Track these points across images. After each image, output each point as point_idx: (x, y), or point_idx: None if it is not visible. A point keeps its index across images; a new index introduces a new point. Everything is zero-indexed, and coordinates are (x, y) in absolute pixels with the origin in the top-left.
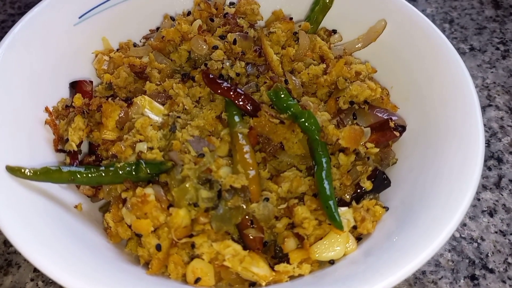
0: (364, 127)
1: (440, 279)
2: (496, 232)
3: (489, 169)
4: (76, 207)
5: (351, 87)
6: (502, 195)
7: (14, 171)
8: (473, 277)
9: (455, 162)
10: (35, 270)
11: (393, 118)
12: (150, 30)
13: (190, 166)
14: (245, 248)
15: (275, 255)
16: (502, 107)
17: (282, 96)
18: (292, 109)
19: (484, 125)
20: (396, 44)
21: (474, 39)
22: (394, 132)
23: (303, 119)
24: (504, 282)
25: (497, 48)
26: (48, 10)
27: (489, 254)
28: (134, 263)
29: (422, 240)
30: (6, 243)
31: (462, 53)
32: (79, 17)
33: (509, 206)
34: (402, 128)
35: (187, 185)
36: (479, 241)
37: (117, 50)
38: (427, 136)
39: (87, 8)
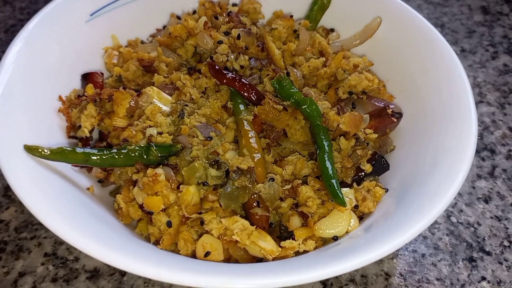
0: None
1: (439, 261)
2: (491, 218)
3: (483, 159)
4: (88, 189)
5: (350, 78)
6: (496, 183)
7: (32, 150)
8: (471, 259)
9: (449, 145)
10: (45, 254)
11: (390, 106)
12: (156, 29)
13: (199, 148)
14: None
15: (280, 235)
16: (493, 103)
17: (285, 84)
18: (294, 97)
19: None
20: (391, 40)
21: (464, 42)
22: (392, 118)
23: (305, 106)
24: (501, 263)
25: (487, 50)
26: (61, 7)
27: (485, 238)
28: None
29: (416, 215)
30: (17, 229)
31: None
32: (91, 15)
33: (503, 194)
34: (399, 115)
35: (196, 164)
36: (475, 225)
37: (126, 47)
38: (423, 124)
39: (98, 7)
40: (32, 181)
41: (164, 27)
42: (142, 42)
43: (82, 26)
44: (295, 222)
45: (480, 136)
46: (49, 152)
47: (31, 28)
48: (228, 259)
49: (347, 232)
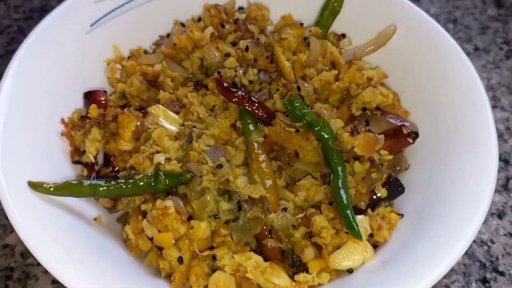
0: (378, 134)
1: (452, 282)
2: (505, 235)
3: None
4: (95, 219)
5: (364, 94)
6: (510, 197)
7: (36, 186)
8: (484, 280)
9: (468, 167)
10: (53, 281)
11: (406, 124)
12: (160, 36)
13: (209, 178)
14: (263, 257)
15: (293, 264)
16: (508, 108)
17: (297, 104)
18: (307, 118)
19: None
20: (406, 49)
21: (478, 39)
22: (408, 139)
23: (318, 128)
24: None
25: (501, 48)
26: (60, 19)
27: (499, 257)
28: (154, 275)
29: (441, 250)
30: (23, 255)
31: (467, 53)
32: (91, 25)
33: None
34: (415, 135)
35: (207, 198)
36: (489, 243)
37: (128, 57)
38: (438, 141)
39: (98, 16)
40: (35, 221)
41: (168, 35)
42: (145, 52)
43: (82, 39)
44: (309, 253)
45: None
46: (53, 188)
47: (28, 46)
48: None
49: (362, 263)
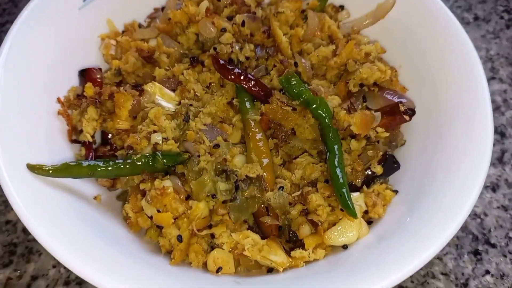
0: (374, 111)
1: (445, 254)
2: (498, 207)
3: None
4: (95, 198)
5: (361, 70)
6: (505, 170)
7: (35, 169)
8: (476, 252)
9: (464, 144)
10: None
11: (403, 101)
12: (154, 9)
13: (207, 158)
14: (260, 233)
15: (289, 239)
16: (506, 80)
17: (294, 82)
18: (304, 96)
19: None
20: (405, 23)
21: (478, 8)
22: (404, 117)
23: (315, 106)
24: (505, 256)
25: (501, 17)
26: None
27: (491, 229)
28: (154, 252)
29: (435, 227)
30: (25, 230)
31: (466, 23)
32: (84, 0)
33: (511, 181)
34: (412, 112)
35: (205, 178)
36: (482, 216)
37: (123, 32)
38: (435, 117)
39: None
40: (34, 203)
41: (163, 8)
42: (140, 26)
43: (75, 15)
44: (305, 230)
45: None
46: (52, 170)
47: (20, 25)
48: (238, 266)
49: (357, 239)
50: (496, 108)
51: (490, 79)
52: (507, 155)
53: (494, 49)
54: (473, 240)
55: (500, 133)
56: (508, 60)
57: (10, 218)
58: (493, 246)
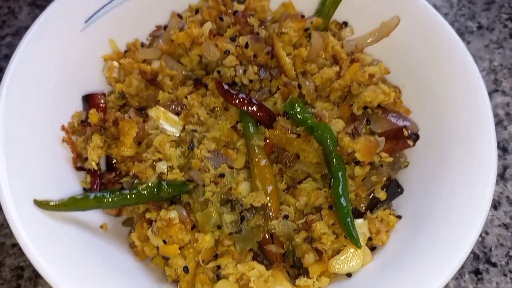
0: (378, 135)
1: None
2: (499, 225)
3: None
4: (101, 227)
5: (365, 93)
6: (506, 186)
7: (42, 204)
8: (477, 272)
9: (468, 168)
10: None
11: (407, 124)
12: (156, 26)
13: (212, 189)
14: (265, 260)
15: (294, 264)
16: (509, 92)
17: (298, 108)
18: (308, 122)
19: None
20: (409, 42)
21: (482, 16)
22: (408, 142)
23: (319, 132)
24: (505, 275)
25: (505, 26)
26: (53, 19)
27: (492, 248)
28: (161, 280)
29: (442, 256)
30: None
31: (469, 32)
32: (85, 22)
33: None
34: (416, 137)
35: (210, 210)
36: (483, 235)
37: (125, 52)
38: (439, 142)
39: (93, 11)
40: (41, 238)
41: (165, 27)
42: (142, 45)
43: (77, 37)
44: (309, 259)
45: None
46: (59, 204)
47: (22, 51)
48: None
49: (361, 267)
50: (498, 122)
51: (493, 92)
52: (509, 171)
53: (497, 60)
54: (474, 259)
55: (502, 148)
56: (511, 71)
57: (17, 242)
58: (494, 265)
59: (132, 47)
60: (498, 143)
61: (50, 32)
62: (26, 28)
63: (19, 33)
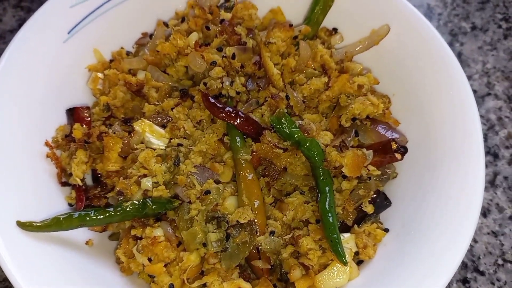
0: (367, 148)
1: None
2: (488, 233)
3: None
4: (87, 243)
5: (354, 105)
6: (496, 193)
7: (25, 226)
8: (465, 280)
9: (456, 180)
10: None
11: (395, 136)
12: (142, 34)
13: (197, 206)
14: (252, 274)
15: (281, 278)
16: (501, 96)
17: (285, 123)
18: (295, 136)
19: (482, 116)
20: (399, 51)
21: (476, 16)
22: (396, 155)
23: (307, 146)
24: (493, 284)
25: (499, 26)
26: (34, 31)
27: (480, 256)
28: None
29: (429, 271)
30: None
31: (463, 33)
32: (68, 33)
33: (502, 206)
34: (404, 150)
35: (196, 228)
36: (471, 243)
37: (110, 61)
38: (427, 155)
39: (76, 21)
40: (23, 261)
41: (151, 35)
42: (128, 53)
43: (60, 48)
44: (296, 274)
45: (485, 137)
46: (42, 225)
47: (3, 65)
48: None
49: (347, 281)
50: (490, 127)
51: (485, 95)
52: (499, 177)
53: (490, 62)
54: (462, 267)
55: (493, 154)
56: (505, 74)
57: None
58: (482, 273)
59: (117, 56)
60: (489, 148)
61: (31, 44)
62: (11, 31)
63: (4, 36)
